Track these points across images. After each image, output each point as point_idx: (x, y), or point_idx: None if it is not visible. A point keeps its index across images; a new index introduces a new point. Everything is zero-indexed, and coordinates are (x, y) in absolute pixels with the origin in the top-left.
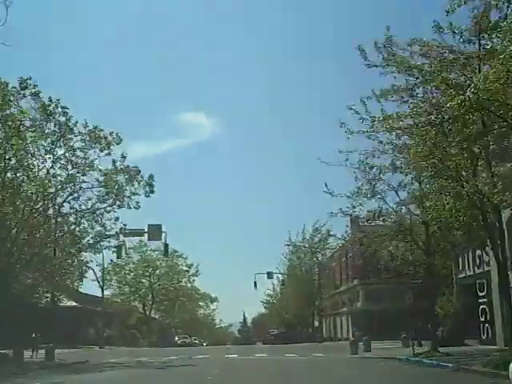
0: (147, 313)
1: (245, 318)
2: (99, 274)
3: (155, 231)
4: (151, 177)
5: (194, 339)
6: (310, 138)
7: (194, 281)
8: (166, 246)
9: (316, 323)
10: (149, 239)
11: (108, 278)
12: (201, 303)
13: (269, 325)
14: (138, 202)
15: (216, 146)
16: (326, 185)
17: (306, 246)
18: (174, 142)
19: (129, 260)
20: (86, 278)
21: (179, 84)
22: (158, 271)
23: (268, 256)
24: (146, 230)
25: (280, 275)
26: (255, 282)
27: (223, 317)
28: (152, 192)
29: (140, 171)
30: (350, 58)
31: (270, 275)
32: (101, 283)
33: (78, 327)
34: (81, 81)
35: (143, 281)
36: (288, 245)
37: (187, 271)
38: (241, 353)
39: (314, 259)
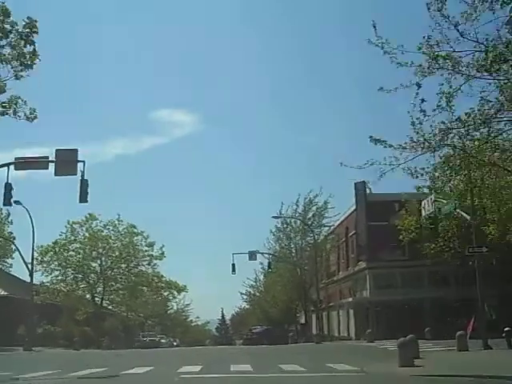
0: (97, 304)
1: (223, 315)
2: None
3: (66, 159)
4: (32, 25)
5: (161, 338)
6: (297, 132)
7: (155, 265)
8: (85, 183)
9: (302, 320)
10: (57, 174)
11: (46, 259)
12: (165, 293)
13: (250, 321)
14: (33, 111)
15: (197, 143)
16: (374, 27)
17: (297, 219)
18: (155, 138)
19: (73, 238)
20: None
21: (159, 80)
22: (110, 253)
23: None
24: (51, 159)
25: (266, 256)
26: (233, 265)
27: (200, 314)
28: (34, 57)
29: (10, 14)
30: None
31: (252, 256)
32: (29, 266)
33: (3, 322)
34: (59, 74)
35: (93, 265)
36: (276, 217)
37: (150, 255)
38: (209, 363)
39: (308, 238)
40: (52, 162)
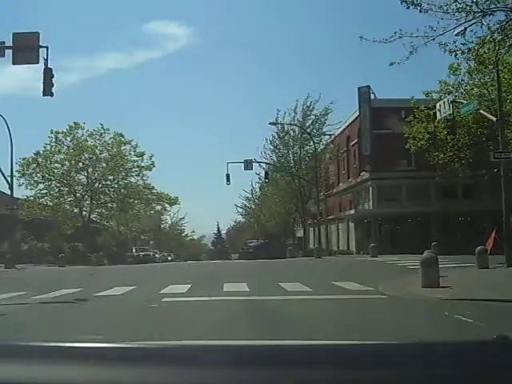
0: (85, 218)
1: (219, 229)
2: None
3: (26, 45)
4: None
5: (155, 253)
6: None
7: (145, 176)
8: (49, 72)
9: (299, 233)
10: (15, 62)
11: (28, 172)
12: (158, 207)
13: (246, 235)
14: None
15: (193, 56)
16: None
17: (296, 126)
18: (149, 52)
19: (57, 148)
20: None
21: None
22: (97, 164)
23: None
24: (7, 45)
25: (262, 166)
26: (228, 175)
27: (196, 228)
28: None
29: None
30: None
31: (247, 165)
32: (8, 179)
33: None
34: None
35: (79, 177)
36: (273, 124)
37: (139, 166)
38: (200, 281)
39: (307, 148)
40: (9, 48)
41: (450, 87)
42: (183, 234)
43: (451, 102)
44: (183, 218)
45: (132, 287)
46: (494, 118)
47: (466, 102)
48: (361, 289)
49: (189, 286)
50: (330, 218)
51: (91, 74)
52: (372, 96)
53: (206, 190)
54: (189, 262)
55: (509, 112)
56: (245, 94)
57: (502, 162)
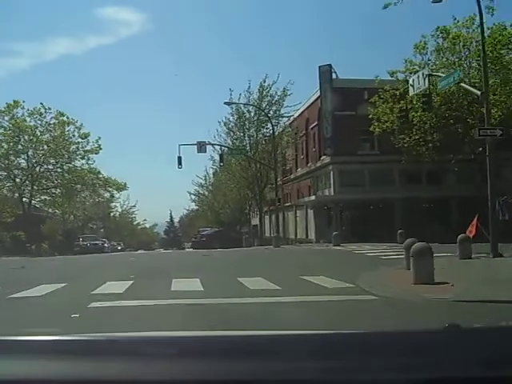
0: (26, 205)
1: (171, 217)
2: None
3: None
4: None
5: (104, 242)
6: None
7: (90, 160)
8: None
9: (255, 221)
10: None
11: None
12: (105, 193)
13: (200, 223)
14: None
15: (145, 43)
16: None
17: (253, 106)
18: (100, 38)
19: None
20: None
21: None
22: (38, 146)
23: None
24: None
25: (216, 149)
26: (179, 158)
27: (148, 216)
28: None
29: None
30: None
31: (200, 147)
32: None
33: None
34: None
35: (18, 160)
36: (228, 103)
37: (85, 150)
38: (144, 277)
39: (264, 130)
40: None
41: (416, 66)
42: (135, 223)
43: (427, 75)
44: (134, 206)
45: (61, 285)
46: (479, 92)
47: (444, 75)
48: (339, 286)
49: (130, 282)
50: (287, 204)
51: (41, 60)
52: (333, 76)
53: (159, 176)
54: (139, 251)
55: (492, 88)
56: (198, 78)
57: (488, 139)
